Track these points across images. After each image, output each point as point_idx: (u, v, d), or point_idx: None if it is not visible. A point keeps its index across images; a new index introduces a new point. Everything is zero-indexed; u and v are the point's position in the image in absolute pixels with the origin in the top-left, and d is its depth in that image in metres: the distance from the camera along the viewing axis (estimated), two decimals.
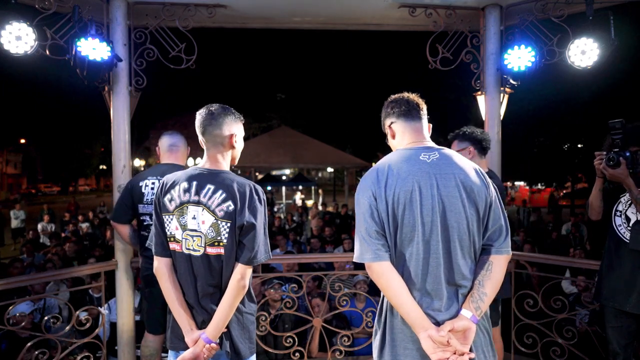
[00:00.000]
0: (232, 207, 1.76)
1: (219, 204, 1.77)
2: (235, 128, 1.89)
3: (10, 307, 2.91)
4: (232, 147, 1.89)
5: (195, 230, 1.78)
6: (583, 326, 3.79)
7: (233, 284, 1.77)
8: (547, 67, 3.25)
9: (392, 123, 1.75)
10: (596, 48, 2.97)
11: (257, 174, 19.64)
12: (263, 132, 24.52)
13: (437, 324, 1.51)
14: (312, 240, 8.00)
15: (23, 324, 3.10)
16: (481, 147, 2.68)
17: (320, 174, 45.82)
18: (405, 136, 1.72)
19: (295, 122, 31.24)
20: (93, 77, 2.92)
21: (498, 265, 1.57)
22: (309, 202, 18.90)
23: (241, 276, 1.78)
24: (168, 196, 1.82)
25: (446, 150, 1.66)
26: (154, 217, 1.87)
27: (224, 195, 1.77)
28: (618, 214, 2.44)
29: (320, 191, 21.14)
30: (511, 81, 3.28)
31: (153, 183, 2.68)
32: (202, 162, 1.89)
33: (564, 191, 25.02)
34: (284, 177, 28.72)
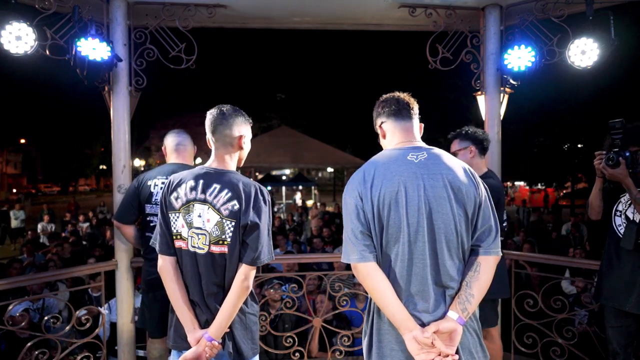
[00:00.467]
0: (237, 206, 1.78)
1: (224, 203, 1.79)
2: (244, 129, 1.92)
3: (10, 307, 2.90)
4: (241, 148, 1.92)
5: (200, 228, 1.80)
6: (582, 326, 3.79)
7: (237, 285, 1.78)
8: (547, 67, 3.25)
9: (382, 123, 1.75)
10: (596, 48, 2.97)
11: (257, 174, 19.63)
12: (263, 132, 24.51)
13: (424, 325, 1.50)
14: (314, 240, 8.00)
15: (23, 324, 3.10)
16: (482, 147, 2.69)
17: (320, 174, 45.81)
18: (395, 136, 1.70)
19: (295, 122, 31.24)
20: (93, 77, 2.92)
21: (486, 266, 1.55)
22: (309, 202, 18.89)
23: (245, 277, 1.79)
24: (174, 194, 1.84)
25: (436, 150, 1.65)
26: (159, 215, 1.88)
27: (229, 194, 1.79)
28: (618, 213, 2.44)
29: (315, 192, 21.06)
30: (511, 81, 3.28)
31: (163, 183, 2.61)
32: (210, 162, 1.90)
33: (564, 191, 25.02)
34: (284, 177, 28.71)
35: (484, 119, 3.47)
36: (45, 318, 2.95)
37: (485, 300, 1.81)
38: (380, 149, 1.79)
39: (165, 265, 1.85)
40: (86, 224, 11.68)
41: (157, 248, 1.88)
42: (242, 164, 1.99)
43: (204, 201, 1.80)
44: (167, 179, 2.59)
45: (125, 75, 3.15)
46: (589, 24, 2.97)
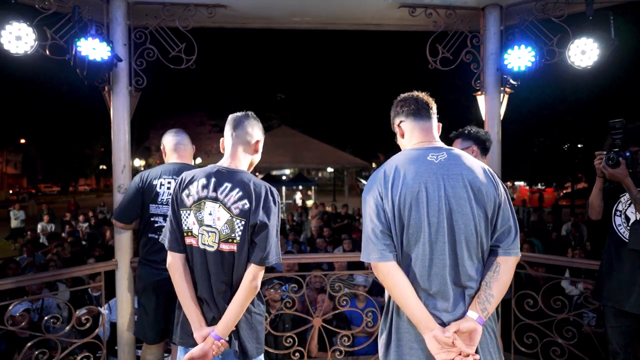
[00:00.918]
0: (247, 205, 1.80)
1: (235, 202, 1.81)
2: (261, 136, 1.99)
3: (10, 307, 2.90)
4: (256, 151, 1.98)
5: (211, 226, 1.82)
6: (591, 328, 3.76)
7: (245, 284, 1.80)
8: (547, 67, 3.24)
9: (401, 122, 1.75)
10: (596, 48, 2.97)
11: (257, 174, 19.64)
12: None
13: (443, 324, 1.51)
14: (317, 241, 8.02)
15: (23, 324, 3.09)
16: (484, 147, 2.68)
17: (320, 174, 45.82)
18: (414, 135, 1.71)
19: (295, 122, 31.22)
20: (93, 77, 2.91)
21: (506, 266, 1.56)
22: (309, 202, 18.89)
23: (253, 277, 1.80)
24: (186, 192, 1.86)
25: (455, 150, 1.66)
26: (170, 213, 1.90)
27: (240, 193, 1.81)
28: (618, 213, 2.44)
29: (309, 192, 21.03)
30: (511, 81, 3.28)
31: (169, 182, 2.59)
32: (223, 160, 1.93)
33: (564, 191, 25.02)
34: (284, 177, 28.70)
35: (484, 119, 3.47)
36: (45, 318, 2.95)
37: None
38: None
39: (174, 262, 1.86)
40: (86, 224, 11.67)
41: (166, 245, 1.88)
42: (251, 170, 2.01)
43: (215, 199, 1.82)
44: (173, 178, 2.58)
45: (125, 75, 3.15)
46: (589, 24, 2.97)
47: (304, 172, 22.92)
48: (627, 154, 2.31)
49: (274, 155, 14.81)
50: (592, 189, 2.54)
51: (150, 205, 2.58)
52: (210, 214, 1.82)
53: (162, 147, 2.82)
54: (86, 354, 3.09)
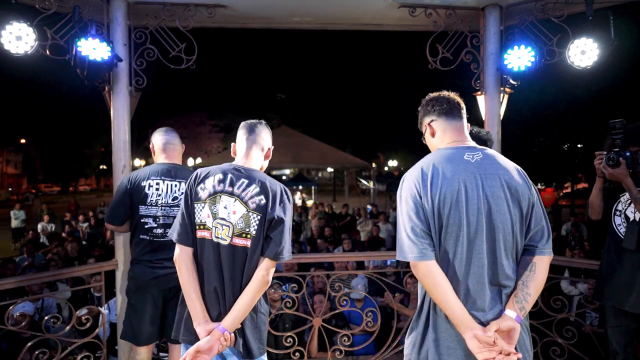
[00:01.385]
0: (264, 201, 1.84)
1: (252, 197, 1.84)
2: (271, 145, 2.09)
3: (11, 307, 2.91)
4: (267, 157, 2.08)
5: (225, 220, 1.83)
6: (593, 328, 3.76)
7: (258, 278, 1.81)
8: (547, 67, 3.25)
9: (432, 121, 1.75)
10: (596, 48, 2.97)
11: None
12: None
13: (481, 323, 1.52)
14: (318, 241, 8.02)
15: (23, 324, 3.09)
16: (485, 147, 2.68)
17: (320, 174, 45.83)
18: (447, 135, 1.72)
19: (295, 122, 31.23)
20: (93, 77, 2.92)
21: (541, 266, 1.58)
22: (309, 202, 18.90)
23: (266, 271, 1.82)
24: (201, 185, 1.88)
25: (489, 150, 1.68)
26: (182, 206, 1.91)
27: (257, 189, 1.85)
28: (618, 213, 2.45)
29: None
30: (511, 81, 3.28)
31: (157, 184, 2.55)
32: (238, 160, 1.98)
33: (564, 191, 25.01)
34: (284, 177, 28.73)
35: (483, 119, 3.47)
36: (46, 318, 2.95)
37: None
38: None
39: (182, 255, 1.86)
40: (86, 224, 11.67)
41: (174, 238, 1.88)
42: None
43: (231, 194, 1.85)
44: (161, 179, 2.56)
45: (125, 75, 3.15)
46: (589, 24, 2.98)
47: (304, 172, 22.94)
48: (627, 153, 2.31)
49: (274, 155, 14.39)
50: (592, 188, 2.54)
51: (140, 206, 2.54)
52: (225, 207, 1.84)
53: (151, 146, 2.76)
54: (86, 353, 3.09)
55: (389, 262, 6.01)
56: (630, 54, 10.37)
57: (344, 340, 3.36)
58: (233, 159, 2.03)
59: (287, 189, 1.95)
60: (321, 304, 3.63)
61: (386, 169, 36.71)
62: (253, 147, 1.99)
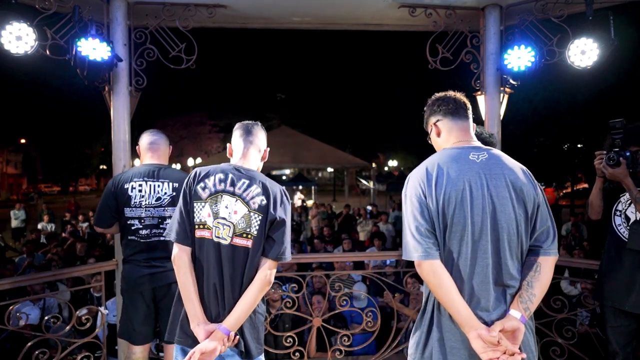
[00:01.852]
0: (265, 201, 1.84)
1: (253, 197, 1.84)
2: (267, 147, 2.09)
3: (11, 307, 2.91)
4: (264, 158, 2.07)
5: (225, 219, 1.83)
6: (584, 327, 3.79)
7: (260, 278, 1.81)
8: (547, 67, 3.25)
9: (437, 121, 1.76)
10: (596, 48, 2.97)
11: None
12: None
13: (485, 323, 1.52)
14: (315, 241, 8.01)
15: (23, 324, 3.09)
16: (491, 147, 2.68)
17: (320, 174, 45.82)
18: (452, 135, 1.72)
19: (295, 122, 31.22)
20: (93, 77, 2.92)
21: (546, 266, 1.58)
22: (309, 202, 18.89)
23: (269, 271, 1.83)
24: (202, 184, 1.86)
25: (494, 150, 1.68)
26: (180, 205, 1.88)
27: (258, 189, 1.86)
28: (618, 213, 2.45)
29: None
30: (511, 81, 3.28)
31: (140, 185, 2.54)
32: (236, 160, 1.98)
33: (564, 191, 25.00)
34: (284, 177, 28.72)
35: (483, 119, 3.47)
36: (46, 318, 2.95)
37: None
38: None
39: (181, 254, 1.84)
40: (86, 224, 11.66)
41: (172, 237, 1.86)
42: None
43: (232, 193, 1.84)
44: (144, 180, 2.55)
45: (125, 75, 3.15)
46: (589, 24, 2.98)
47: (304, 172, 22.94)
48: (628, 153, 2.31)
49: (274, 155, 14.76)
50: (592, 188, 2.54)
51: (125, 209, 2.54)
52: (226, 207, 1.83)
53: (137, 147, 2.75)
54: (86, 353, 3.10)
55: (388, 262, 6.02)
56: (630, 54, 10.36)
57: (344, 340, 3.36)
58: None
59: (285, 190, 1.96)
60: (320, 305, 3.62)
61: (386, 169, 36.73)
62: (250, 147, 1.99)
